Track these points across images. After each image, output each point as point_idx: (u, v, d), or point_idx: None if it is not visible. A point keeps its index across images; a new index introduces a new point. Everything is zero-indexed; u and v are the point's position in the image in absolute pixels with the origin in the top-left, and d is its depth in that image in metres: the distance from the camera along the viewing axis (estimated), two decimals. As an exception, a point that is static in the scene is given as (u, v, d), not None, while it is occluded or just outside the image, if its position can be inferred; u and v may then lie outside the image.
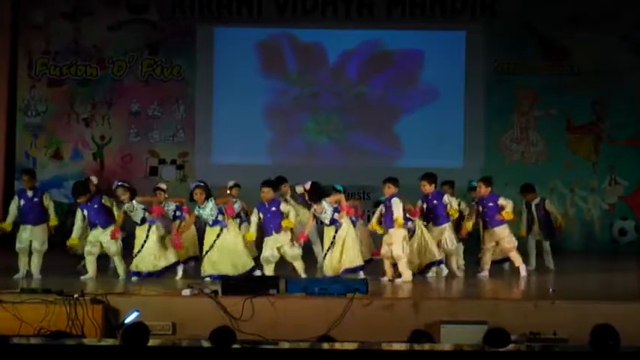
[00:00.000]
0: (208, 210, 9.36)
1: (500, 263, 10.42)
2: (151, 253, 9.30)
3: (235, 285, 8.23)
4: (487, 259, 10.05)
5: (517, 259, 10.02)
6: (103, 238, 9.38)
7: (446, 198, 9.89)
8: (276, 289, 8.16)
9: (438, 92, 13.82)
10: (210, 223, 9.37)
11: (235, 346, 5.55)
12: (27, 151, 13.77)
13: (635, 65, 13.57)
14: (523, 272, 9.92)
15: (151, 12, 13.87)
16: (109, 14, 13.83)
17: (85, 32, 13.83)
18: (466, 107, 13.79)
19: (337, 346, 5.95)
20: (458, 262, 10.10)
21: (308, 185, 9.35)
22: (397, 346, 5.87)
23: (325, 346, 5.90)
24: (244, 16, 13.88)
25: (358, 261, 9.27)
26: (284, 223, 9.30)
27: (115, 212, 9.50)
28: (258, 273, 9.44)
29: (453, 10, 13.82)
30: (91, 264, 9.39)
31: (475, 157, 13.46)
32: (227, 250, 9.31)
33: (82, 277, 9.27)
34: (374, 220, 9.61)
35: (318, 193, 9.29)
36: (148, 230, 9.35)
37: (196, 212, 9.48)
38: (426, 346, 5.79)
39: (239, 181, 10.78)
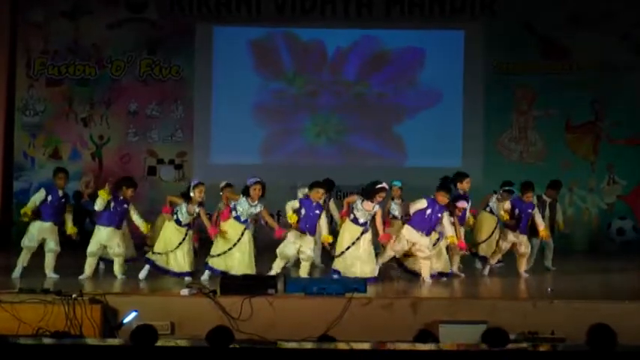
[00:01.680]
0: (254, 210, 9.31)
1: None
2: (184, 256, 9.27)
3: (234, 285, 8.23)
4: (497, 257, 10.10)
5: (524, 266, 10.07)
6: (109, 242, 9.36)
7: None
8: (274, 288, 8.17)
9: (436, 92, 13.82)
10: (242, 220, 9.29)
11: (234, 345, 5.55)
12: (25, 150, 13.76)
13: (634, 65, 13.57)
14: (524, 276, 9.98)
15: (150, 10, 13.86)
16: (108, 13, 13.82)
17: (84, 31, 13.81)
18: (465, 107, 13.78)
19: (337, 345, 5.95)
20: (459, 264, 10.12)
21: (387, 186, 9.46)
22: (397, 346, 5.88)
23: (324, 345, 5.90)
24: (243, 15, 13.87)
25: (373, 273, 9.27)
26: (323, 238, 9.38)
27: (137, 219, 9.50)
28: None
29: (452, 9, 13.81)
30: (90, 265, 9.38)
31: (474, 157, 13.45)
32: (245, 251, 9.28)
33: (80, 277, 9.26)
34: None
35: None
36: (186, 234, 9.30)
37: (238, 204, 9.31)
38: (425, 346, 5.79)
39: (238, 181, 10.76)
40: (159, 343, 5.75)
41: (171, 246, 9.26)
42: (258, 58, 13.92)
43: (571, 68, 13.75)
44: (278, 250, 9.44)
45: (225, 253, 9.23)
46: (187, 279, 9.15)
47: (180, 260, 9.27)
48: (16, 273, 9.33)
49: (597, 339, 5.33)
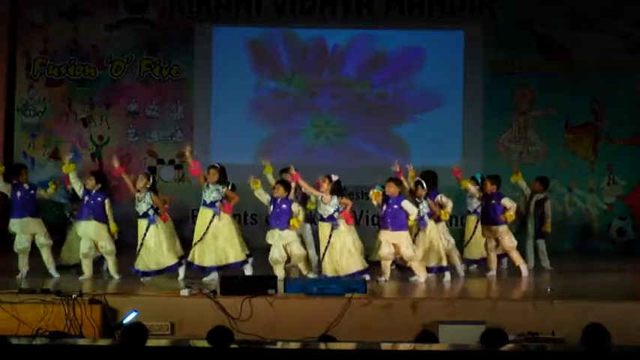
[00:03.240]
0: (216, 193, 9.34)
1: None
2: (150, 252, 9.24)
3: (234, 285, 8.24)
4: (493, 258, 10.11)
5: (518, 258, 10.08)
6: (98, 238, 9.36)
7: (439, 197, 10.00)
8: (274, 289, 8.18)
9: (436, 92, 13.80)
10: (208, 202, 9.35)
11: (233, 345, 5.55)
12: (25, 151, 13.74)
13: (634, 64, 13.54)
14: (525, 272, 9.99)
15: (150, 11, 13.86)
16: (107, 14, 13.81)
17: (84, 32, 13.80)
18: (464, 107, 13.77)
19: (336, 345, 5.95)
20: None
21: (335, 177, 9.51)
22: (396, 346, 5.88)
23: (324, 346, 5.90)
24: (243, 16, 13.86)
25: (362, 265, 9.27)
26: (292, 221, 9.37)
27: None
28: (248, 269, 9.43)
29: (451, 9, 13.80)
30: (87, 266, 9.38)
31: (473, 157, 13.43)
32: (221, 237, 9.29)
33: (80, 278, 9.27)
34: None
35: (336, 189, 9.43)
36: (147, 227, 9.28)
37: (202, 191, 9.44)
38: (425, 346, 5.79)
39: (239, 181, 10.76)
40: (159, 344, 5.75)
41: (138, 245, 9.26)
42: (257, 58, 13.92)
43: (570, 68, 13.74)
44: (269, 258, 9.45)
45: (200, 240, 9.23)
46: (180, 273, 9.20)
47: (153, 255, 9.23)
48: (21, 276, 9.31)
49: (591, 339, 5.33)
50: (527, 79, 13.83)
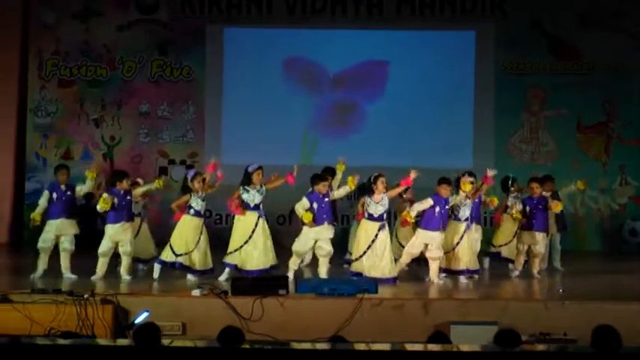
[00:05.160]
0: (259, 194, 9.33)
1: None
2: (204, 251, 9.34)
3: (245, 285, 8.25)
4: (521, 260, 10.06)
5: (538, 267, 10.04)
6: (122, 237, 9.38)
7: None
8: (285, 289, 8.18)
9: (447, 92, 13.78)
10: (252, 206, 9.29)
11: (244, 346, 5.55)
12: (37, 151, 13.80)
13: (644, 64, 13.52)
14: (537, 276, 9.96)
15: (161, 12, 13.90)
16: (119, 14, 13.86)
17: (95, 33, 13.86)
18: (476, 107, 13.75)
19: (347, 346, 5.95)
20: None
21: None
22: (408, 347, 5.87)
23: (335, 346, 5.89)
24: (254, 16, 13.89)
25: (394, 272, 9.26)
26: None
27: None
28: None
29: (462, 9, 13.79)
30: (103, 265, 9.39)
31: (485, 158, 13.37)
32: (263, 240, 9.26)
33: (93, 278, 9.28)
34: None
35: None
36: (202, 227, 9.36)
37: (240, 191, 9.34)
38: (436, 347, 5.77)
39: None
40: (170, 344, 5.76)
41: (193, 242, 9.25)
42: (268, 58, 13.90)
43: (582, 68, 13.70)
44: (293, 248, 9.38)
45: (241, 247, 9.22)
46: (197, 278, 9.21)
47: (202, 256, 9.29)
48: (37, 275, 9.34)
49: (600, 340, 5.31)
50: (538, 79, 13.80)
